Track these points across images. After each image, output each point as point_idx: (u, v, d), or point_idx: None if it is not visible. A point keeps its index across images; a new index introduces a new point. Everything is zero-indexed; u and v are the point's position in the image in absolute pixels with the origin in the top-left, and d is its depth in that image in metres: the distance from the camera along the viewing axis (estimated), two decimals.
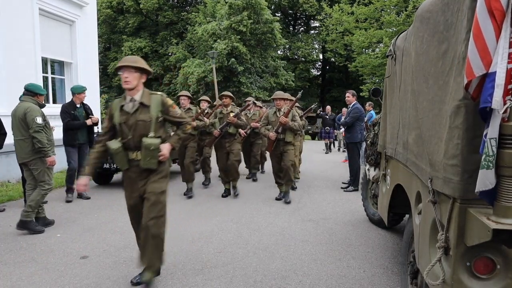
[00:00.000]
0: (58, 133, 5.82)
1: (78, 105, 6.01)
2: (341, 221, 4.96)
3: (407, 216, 3.62)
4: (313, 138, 20.43)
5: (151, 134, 2.88)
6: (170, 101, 2.99)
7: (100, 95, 13.02)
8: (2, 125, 5.21)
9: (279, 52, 26.85)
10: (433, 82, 2.11)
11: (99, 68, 11.10)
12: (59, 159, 5.75)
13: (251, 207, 5.59)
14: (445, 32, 1.96)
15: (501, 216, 1.49)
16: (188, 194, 6.28)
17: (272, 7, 27.24)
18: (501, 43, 1.42)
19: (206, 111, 6.65)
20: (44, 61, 8.62)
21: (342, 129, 10.62)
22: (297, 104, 7.17)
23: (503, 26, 1.42)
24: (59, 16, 8.77)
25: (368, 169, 4.45)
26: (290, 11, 29.89)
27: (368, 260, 3.65)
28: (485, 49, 1.45)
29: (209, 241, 4.14)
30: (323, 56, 29.65)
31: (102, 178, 7.38)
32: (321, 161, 11.33)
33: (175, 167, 7.43)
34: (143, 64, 2.89)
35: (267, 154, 7.39)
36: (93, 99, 9.98)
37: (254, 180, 7.87)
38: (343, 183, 7.38)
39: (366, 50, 19.83)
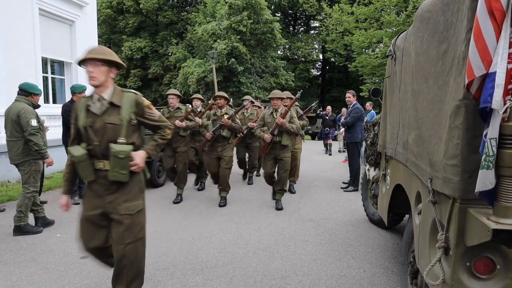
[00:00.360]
0: (52, 134, 5.78)
1: None
2: (341, 221, 4.96)
3: (407, 216, 3.62)
4: (313, 138, 20.46)
5: (122, 139, 2.39)
6: (146, 101, 2.55)
7: None
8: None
9: (279, 52, 26.87)
10: (433, 82, 2.11)
11: None
12: (58, 159, 5.75)
13: (251, 207, 5.59)
14: (445, 32, 1.96)
15: (501, 216, 1.49)
16: (177, 200, 5.87)
17: (272, 7, 27.26)
18: (501, 43, 1.42)
19: (199, 110, 6.33)
20: (44, 61, 8.62)
21: (342, 129, 10.61)
22: (296, 104, 6.92)
23: (503, 26, 1.42)
24: (59, 16, 8.77)
25: (368, 169, 4.45)
26: (290, 11, 29.90)
27: (368, 260, 3.65)
28: (485, 49, 1.45)
29: (209, 241, 4.14)
30: (323, 56, 29.66)
31: None
32: (321, 161, 11.33)
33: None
34: (112, 55, 2.43)
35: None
36: None
37: (249, 184, 7.41)
38: (343, 182, 7.39)
39: (366, 50, 19.84)
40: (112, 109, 2.42)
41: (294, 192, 6.57)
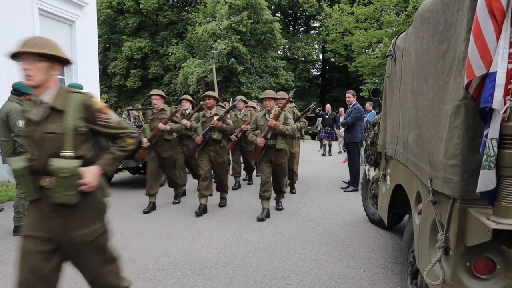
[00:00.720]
0: None
1: None
2: (341, 221, 4.96)
3: (407, 216, 3.62)
4: (313, 138, 20.45)
5: (66, 152, 1.90)
6: (98, 104, 2.03)
7: (100, 95, 13.03)
8: None
9: (279, 52, 26.89)
10: (433, 82, 2.11)
11: (99, 68, 11.11)
12: None
13: (251, 207, 5.59)
14: (445, 32, 1.96)
15: (501, 216, 1.49)
16: (176, 200, 5.83)
17: (272, 7, 27.27)
18: (501, 43, 1.42)
19: (188, 112, 6.01)
20: None
21: (342, 129, 10.60)
22: (293, 105, 6.78)
23: (503, 26, 1.42)
24: (59, 16, 8.77)
25: (368, 169, 4.45)
26: (290, 11, 29.92)
27: (368, 260, 3.65)
28: (485, 49, 1.45)
29: (209, 241, 4.14)
30: (323, 56, 29.67)
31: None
32: (320, 162, 11.34)
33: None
34: (52, 48, 1.93)
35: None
36: None
37: (234, 189, 6.90)
38: (343, 182, 7.39)
39: (366, 50, 19.84)
40: (54, 115, 1.92)
41: (295, 193, 6.53)
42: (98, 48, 10.85)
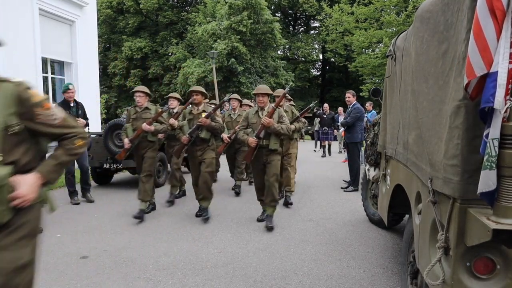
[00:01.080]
0: None
1: (71, 104, 5.63)
2: (341, 221, 4.96)
3: (407, 216, 3.62)
4: (313, 138, 20.46)
5: None
6: (37, 96, 1.63)
7: (100, 95, 13.02)
8: None
9: (279, 52, 26.89)
10: (433, 82, 2.11)
11: (99, 68, 11.11)
12: None
13: (251, 207, 5.58)
14: (445, 32, 1.96)
15: (501, 216, 1.49)
16: (139, 215, 4.78)
17: (272, 7, 27.28)
18: (502, 43, 1.42)
19: (175, 111, 5.63)
20: (44, 61, 8.63)
21: (342, 129, 10.56)
22: (292, 103, 6.39)
23: (504, 25, 1.42)
24: (59, 16, 8.78)
25: (368, 169, 4.45)
26: (290, 11, 29.92)
27: (368, 260, 3.65)
28: (486, 49, 1.44)
29: (209, 241, 4.14)
30: (323, 56, 29.68)
31: (102, 178, 7.39)
32: (320, 162, 11.34)
33: None
34: None
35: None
36: (93, 99, 10.00)
37: (237, 194, 6.50)
38: (344, 181, 7.39)
39: (366, 50, 19.85)
40: None
41: (291, 203, 5.75)
42: (98, 48, 10.86)
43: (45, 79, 8.65)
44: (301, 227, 4.68)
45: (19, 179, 1.55)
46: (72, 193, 5.84)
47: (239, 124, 4.83)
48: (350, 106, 6.91)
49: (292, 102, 6.45)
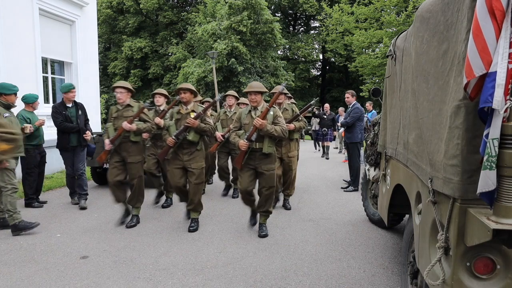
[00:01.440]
0: (51, 134, 5.67)
1: (69, 105, 5.51)
2: (341, 221, 4.96)
3: (407, 216, 3.62)
4: (313, 138, 20.45)
5: None
6: None
7: (100, 95, 13.03)
8: None
9: (279, 52, 26.89)
10: (433, 82, 2.11)
11: (99, 68, 11.10)
12: (50, 161, 5.71)
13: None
14: (445, 32, 1.96)
15: (501, 216, 1.49)
16: (131, 223, 4.62)
17: (272, 7, 27.28)
18: (501, 43, 1.42)
19: (162, 109, 5.28)
20: (44, 61, 8.63)
21: (342, 130, 10.51)
22: (293, 101, 6.03)
23: (503, 25, 1.42)
24: (59, 16, 8.77)
25: (368, 169, 4.45)
26: (290, 11, 29.91)
27: (368, 260, 3.65)
28: (485, 49, 1.45)
29: (209, 241, 4.14)
30: (323, 56, 29.67)
31: (102, 178, 7.38)
32: (320, 161, 11.33)
33: None
34: None
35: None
36: (93, 99, 10.01)
37: (235, 197, 6.15)
38: (344, 181, 7.38)
39: (366, 50, 19.82)
40: None
41: (290, 208, 5.50)
42: (98, 48, 10.85)
43: (45, 79, 8.64)
44: (301, 227, 4.68)
45: None
46: (72, 194, 5.80)
47: (232, 125, 4.45)
48: (350, 106, 6.91)
49: (293, 100, 6.19)
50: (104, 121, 16.28)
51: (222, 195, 6.35)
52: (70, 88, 5.54)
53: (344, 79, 28.83)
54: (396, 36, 3.37)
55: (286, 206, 5.55)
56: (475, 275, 1.72)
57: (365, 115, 8.51)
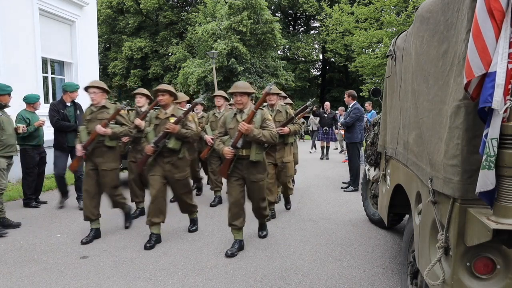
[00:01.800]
0: (51, 134, 5.67)
1: (68, 104, 5.45)
2: (341, 221, 4.96)
3: (407, 216, 3.62)
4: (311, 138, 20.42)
5: None
6: None
7: None
8: None
9: (279, 52, 26.86)
10: (433, 82, 2.11)
11: (99, 68, 11.11)
12: (51, 161, 5.69)
13: (251, 207, 5.57)
14: (445, 32, 1.96)
15: (501, 216, 1.49)
16: (127, 223, 4.43)
17: (272, 7, 27.27)
18: (501, 43, 1.42)
19: (144, 110, 4.88)
20: (44, 61, 8.62)
21: (341, 130, 10.50)
22: (288, 102, 5.70)
23: (503, 26, 1.42)
24: (59, 16, 8.77)
25: (368, 169, 4.45)
26: (290, 11, 29.89)
27: (368, 260, 3.65)
28: (484, 49, 1.45)
29: (209, 241, 4.14)
30: (323, 56, 29.65)
31: None
32: (320, 161, 11.32)
33: None
34: None
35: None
36: None
37: (213, 205, 5.66)
38: (343, 183, 7.39)
39: (366, 50, 19.83)
40: None
41: (289, 208, 5.32)
42: (98, 48, 10.85)
43: (45, 79, 8.64)
44: (301, 227, 4.68)
45: None
46: (79, 198, 5.52)
47: (217, 131, 4.03)
48: (350, 106, 6.92)
49: (288, 101, 5.83)
50: None
51: (211, 206, 5.65)
52: (76, 88, 5.53)
53: (344, 79, 28.82)
54: (396, 36, 3.37)
55: (286, 207, 5.42)
56: (475, 275, 1.72)
57: (365, 115, 8.51)
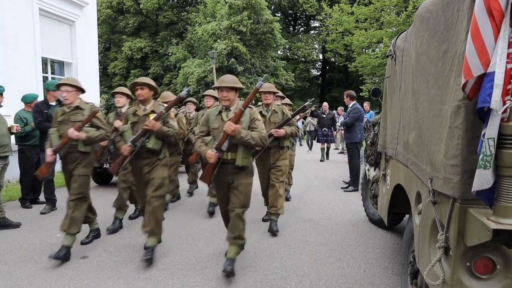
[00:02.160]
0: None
1: (53, 103, 5.19)
2: (341, 221, 4.96)
3: (407, 216, 3.62)
4: (313, 138, 20.40)
5: None
6: None
7: (100, 95, 13.02)
8: None
9: (279, 52, 26.86)
10: (433, 82, 2.11)
11: (99, 68, 11.10)
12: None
13: (251, 207, 5.55)
14: (445, 32, 1.96)
15: (501, 216, 1.49)
16: (58, 254, 3.46)
17: (272, 7, 27.27)
18: (500, 43, 1.42)
19: (124, 111, 4.49)
20: (44, 61, 8.63)
21: (340, 130, 10.47)
22: (285, 102, 5.40)
23: (502, 26, 1.42)
24: (59, 16, 8.78)
25: (368, 169, 4.45)
26: (290, 11, 29.90)
27: (368, 260, 3.65)
28: (483, 49, 1.45)
29: (209, 241, 4.14)
30: (323, 56, 29.65)
31: (102, 178, 7.39)
32: (320, 161, 11.31)
33: None
34: None
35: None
36: (93, 99, 10.01)
37: (211, 214, 5.18)
38: (343, 182, 7.39)
39: (366, 50, 19.83)
40: None
41: (277, 231, 4.38)
42: (98, 48, 10.85)
43: (45, 79, 8.63)
44: (301, 227, 4.68)
45: None
46: (46, 200, 5.42)
47: (198, 130, 3.52)
48: (350, 106, 6.92)
49: (286, 101, 5.52)
50: None
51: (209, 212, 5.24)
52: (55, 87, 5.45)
53: (344, 79, 28.82)
54: (396, 36, 3.37)
55: (272, 229, 4.35)
56: (475, 275, 1.72)
57: (365, 115, 8.51)
